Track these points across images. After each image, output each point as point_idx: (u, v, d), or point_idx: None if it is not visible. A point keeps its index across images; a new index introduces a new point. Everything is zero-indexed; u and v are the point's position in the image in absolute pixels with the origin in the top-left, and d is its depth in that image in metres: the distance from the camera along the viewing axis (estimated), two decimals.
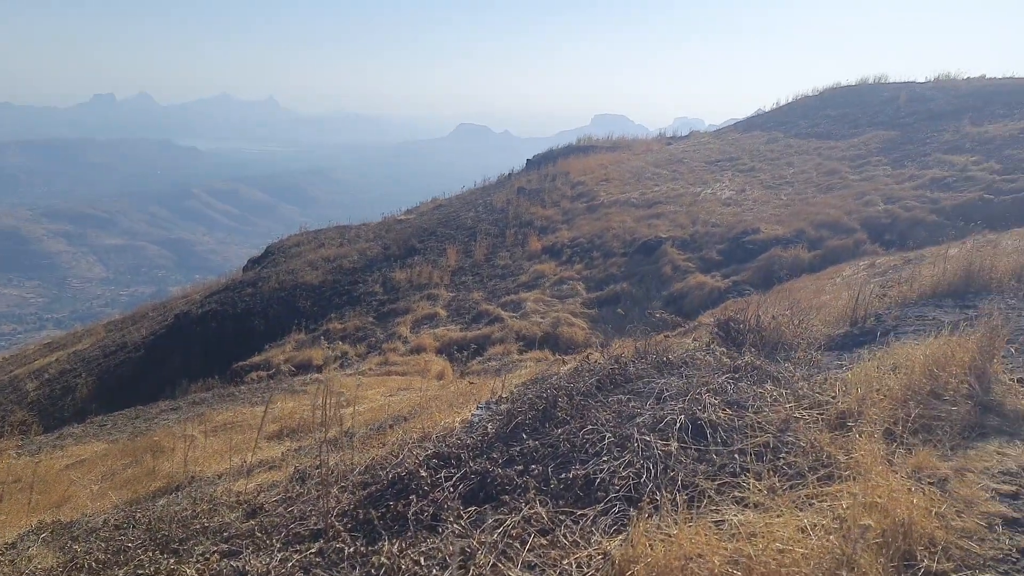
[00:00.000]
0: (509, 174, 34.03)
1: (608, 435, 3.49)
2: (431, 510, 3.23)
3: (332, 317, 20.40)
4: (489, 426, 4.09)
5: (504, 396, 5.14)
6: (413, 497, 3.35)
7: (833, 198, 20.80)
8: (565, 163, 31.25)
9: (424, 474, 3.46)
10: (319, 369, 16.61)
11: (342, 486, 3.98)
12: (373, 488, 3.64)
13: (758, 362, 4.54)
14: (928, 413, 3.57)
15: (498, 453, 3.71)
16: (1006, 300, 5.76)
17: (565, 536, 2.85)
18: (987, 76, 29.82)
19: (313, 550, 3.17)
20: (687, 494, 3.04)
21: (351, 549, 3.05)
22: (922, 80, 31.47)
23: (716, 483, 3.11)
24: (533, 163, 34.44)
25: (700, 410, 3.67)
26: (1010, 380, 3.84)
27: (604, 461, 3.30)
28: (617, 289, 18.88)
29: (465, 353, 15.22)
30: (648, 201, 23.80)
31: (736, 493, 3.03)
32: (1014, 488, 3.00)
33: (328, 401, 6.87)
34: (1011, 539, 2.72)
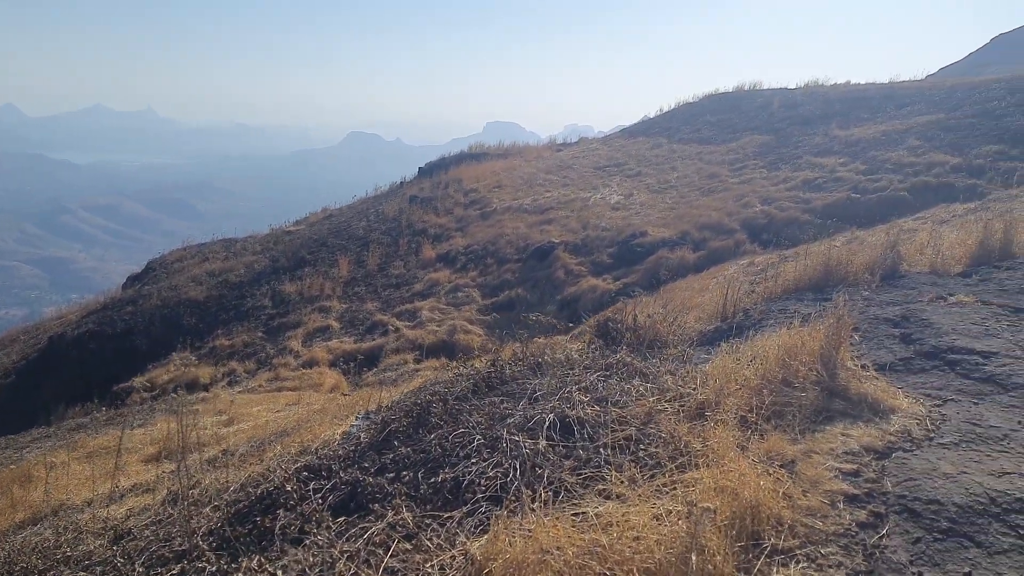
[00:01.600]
0: (401, 182, 33.80)
1: (478, 437, 3.52)
2: (299, 523, 3.18)
3: (219, 333, 19.72)
4: (363, 436, 4.06)
5: (384, 405, 5.10)
6: (281, 511, 3.29)
7: (715, 200, 21.61)
8: (458, 170, 31.30)
9: (291, 488, 3.40)
10: (207, 387, 16.02)
11: (215, 505, 3.87)
12: (242, 505, 3.55)
13: (629, 359, 4.68)
14: (780, 400, 3.77)
15: (370, 462, 3.68)
16: (860, 292, 6.12)
17: (430, 540, 2.85)
18: (852, 82, 31.71)
19: (175, 571, 3.07)
20: (552, 490, 3.10)
21: (213, 568, 2.96)
22: (793, 87, 33.17)
23: (580, 477, 3.18)
24: (426, 171, 34.33)
25: (569, 408, 3.75)
26: (854, 366, 4.10)
27: (473, 463, 3.33)
28: (512, 295, 19.03)
29: (357, 364, 15.00)
30: (540, 207, 24.11)
31: (600, 486, 3.10)
32: (855, 467, 3.20)
33: (198, 421, 6.65)
34: (851, 514, 2.89)
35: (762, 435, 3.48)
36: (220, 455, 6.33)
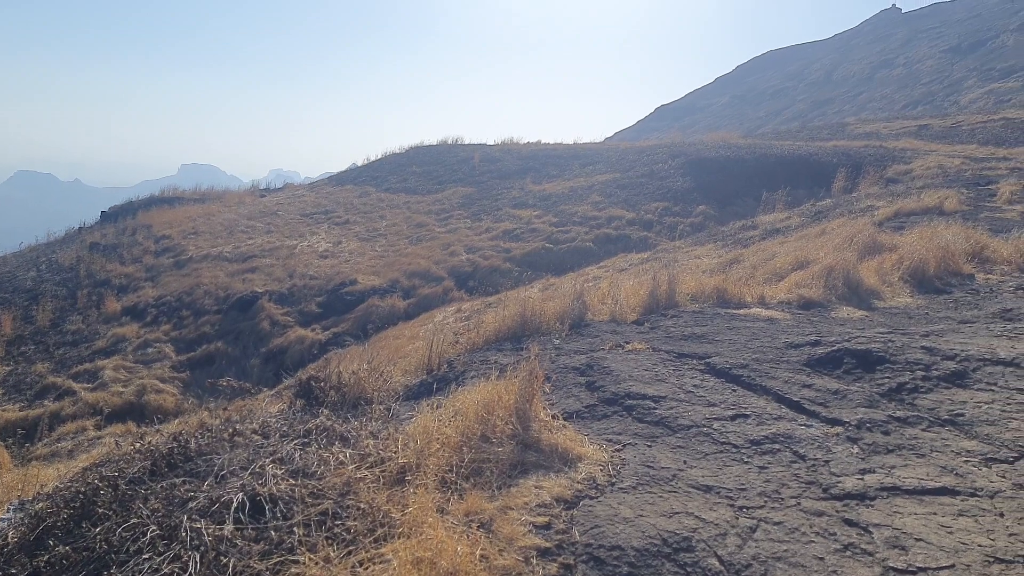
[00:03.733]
0: (80, 228, 30.40)
1: (153, 527, 3.12)
2: None
3: None
4: (11, 533, 3.43)
5: (42, 492, 4.39)
6: None
7: (423, 249, 22.09)
8: (148, 215, 28.90)
9: None
10: None
11: None
12: None
13: (330, 423, 4.49)
14: (480, 457, 3.82)
15: (18, 568, 3.11)
16: (552, 341, 6.52)
17: None
18: (543, 142, 34.52)
19: None
20: None
21: None
22: (492, 143, 35.32)
23: (272, 563, 2.94)
24: (110, 216, 31.24)
25: (262, 484, 3.48)
26: (547, 416, 4.30)
27: (146, 559, 2.94)
28: (211, 349, 17.80)
29: (23, 435, 13.01)
30: (243, 255, 22.97)
31: (293, 569, 2.89)
32: (547, 519, 3.32)
33: None
34: (544, 569, 2.97)
35: (461, 495, 3.49)
36: None
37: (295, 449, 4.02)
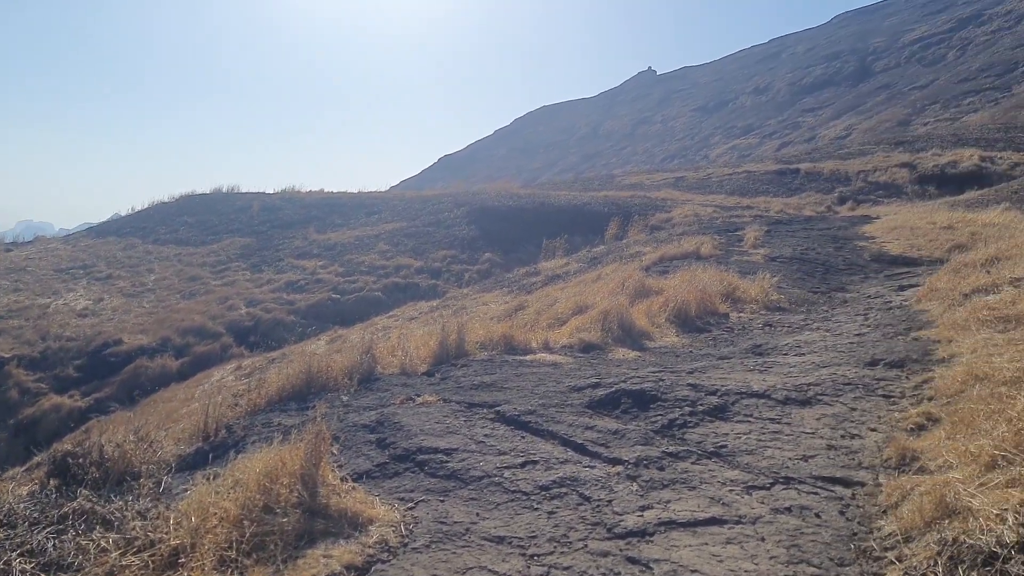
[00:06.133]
0: None
1: None
2: None
3: None
4: None
5: None
6: None
7: (197, 304, 20.81)
8: None
9: None
10: None
11: None
12: None
13: (89, 505, 4.02)
14: (263, 530, 3.58)
15: None
16: (340, 398, 6.32)
17: None
18: (326, 190, 33.98)
19: None
20: None
21: None
22: (272, 192, 34.23)
23: None
24: None
25: None
26: (335, 479, 4.13)
27: None
28: None
29: None
30: None
31: None
32: None
33: None
34: None
35: (243, 573, 3.24)
36: None
37: (48, 538, 3.56)
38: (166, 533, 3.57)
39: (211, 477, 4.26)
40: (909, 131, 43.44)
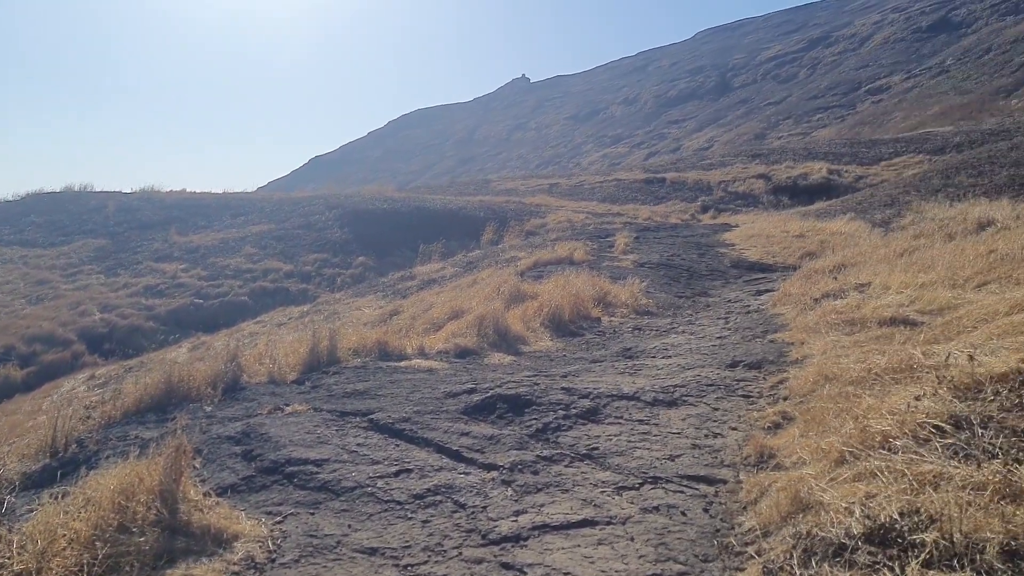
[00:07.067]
0: None
1: None
2: None
3: None
4: None
5: None
6: None
7: (46, 309, 19.41)
8: None
9: None
10: None
11: None
12: None
13: None
14: (118, 551, 3.36)
15: None
16: (203, 408, 6.03)
17: None
18: (188, 190, 32.46)
19: None
20: None
21: None
22: (129, 191, 32.35)
23: None
24: None
25: None
26: (197, 495, 3.93)
27: None
28: None
29: None
30: None
31: None
32: None
33: None
34: None
35: None
36: None
37: None
38: (8, 558, 3.29)
39: (60, 496, 3.97)
40: (765, 144, 46.15)
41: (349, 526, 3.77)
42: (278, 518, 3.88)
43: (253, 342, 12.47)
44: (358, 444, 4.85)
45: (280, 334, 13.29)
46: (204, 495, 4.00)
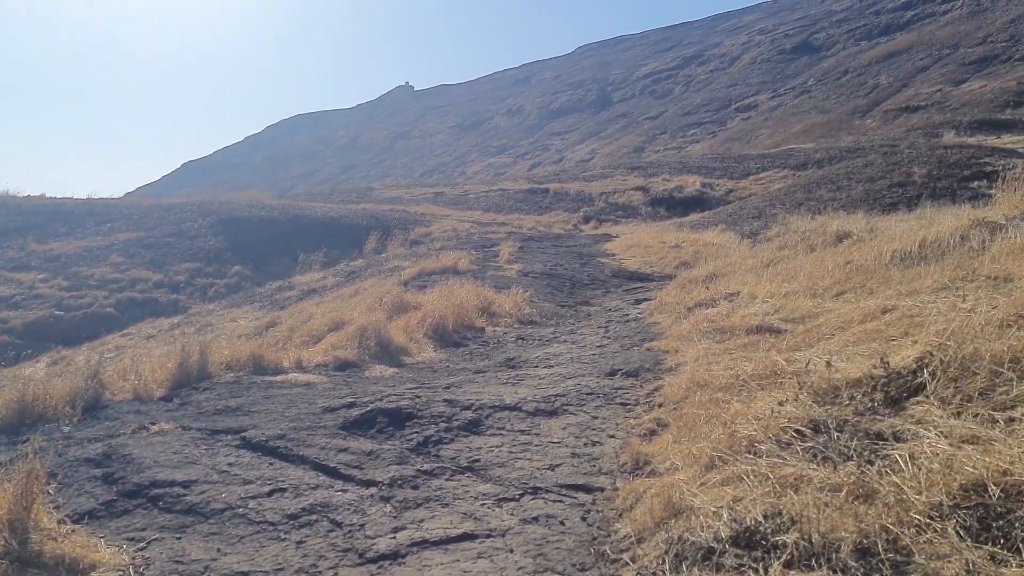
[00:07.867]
0: None
1: None
2: None
3: None
4: None
5: None
6: None
7: None
8: None
9: None
10: None
11: None
12: None
13: None
14: None
15: None
16: (61, 428, 5.64)
17: None
18: (48, 196, 30.45)
19: None
20: None
21: None
22: None
23: None
24: None
25: None
26: (51, 523, 3.66)
27: None
28: None
29: None
30: None
31: None
32: None
33: None
34: None
35: None
36: None
37: None
38: None
39: None
40: (643, 157, 47.72)
41: (218, 550, 3.60)
42: (141, 544, 3.67)
43: (118, 356, 11.78)
44: (229, 464, 4.65)
45: (148, 347, 12.62)
46: (59, 522, 3.73)
